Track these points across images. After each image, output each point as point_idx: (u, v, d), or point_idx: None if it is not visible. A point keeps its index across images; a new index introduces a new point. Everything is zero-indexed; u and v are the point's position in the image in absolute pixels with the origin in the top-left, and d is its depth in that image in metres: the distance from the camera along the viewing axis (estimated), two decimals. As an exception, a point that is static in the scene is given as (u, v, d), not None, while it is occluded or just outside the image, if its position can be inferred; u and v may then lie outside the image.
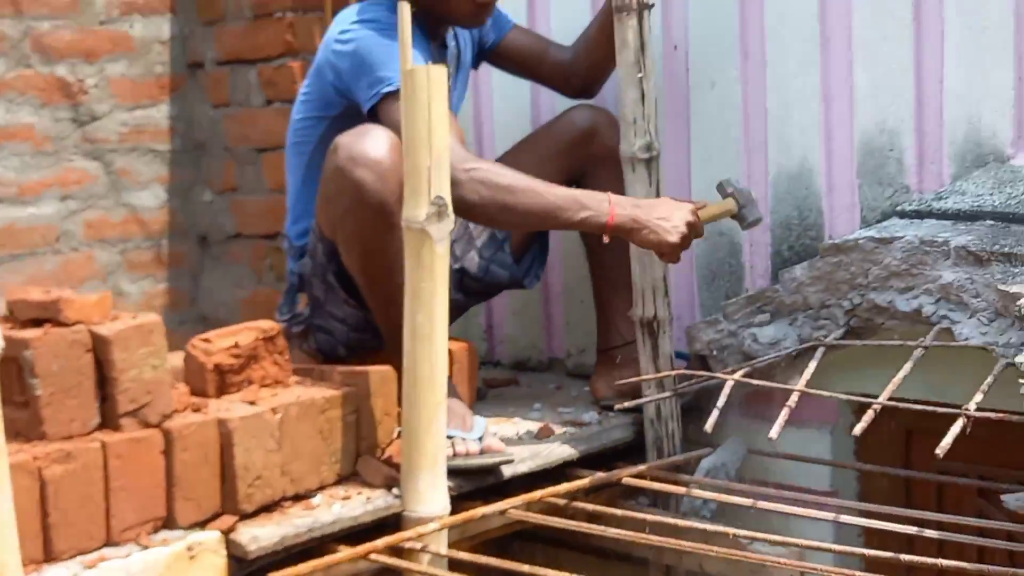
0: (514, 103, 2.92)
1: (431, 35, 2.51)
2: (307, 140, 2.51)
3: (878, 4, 2.37)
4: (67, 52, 3.04)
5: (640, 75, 2.44)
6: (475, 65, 2.71)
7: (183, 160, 3.30)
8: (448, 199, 2.03)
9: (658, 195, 2.46)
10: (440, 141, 2.04)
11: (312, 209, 2.52)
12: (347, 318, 2.44)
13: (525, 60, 2.72)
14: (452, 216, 2.04)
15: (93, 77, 3.10)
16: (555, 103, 2.80)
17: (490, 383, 2.78)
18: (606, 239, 2.29)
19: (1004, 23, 2.22)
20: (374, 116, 2.31)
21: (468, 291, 2.66)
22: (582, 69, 2.68)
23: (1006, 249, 2.00)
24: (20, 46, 2.96)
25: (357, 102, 2.37)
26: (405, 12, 2.01)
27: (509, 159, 2.70)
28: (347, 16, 2.42)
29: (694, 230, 2.28)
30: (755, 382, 2.20)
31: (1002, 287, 1.95)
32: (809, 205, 2.50)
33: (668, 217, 2.26)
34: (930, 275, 2.14)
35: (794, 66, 2.50)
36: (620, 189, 2.63)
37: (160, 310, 3.13)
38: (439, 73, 2.03)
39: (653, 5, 2.46)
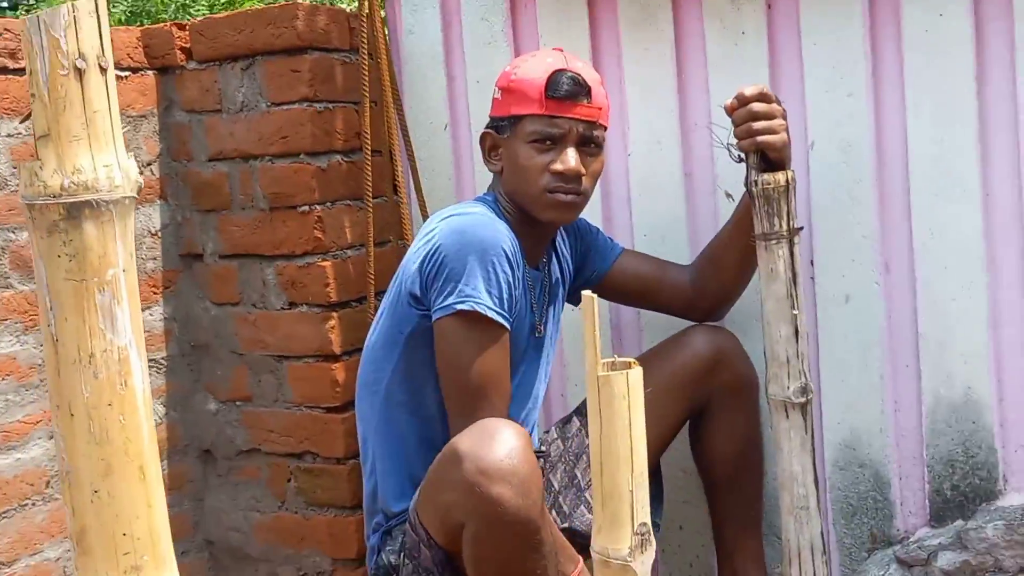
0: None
1: (527, 253, 2.14)
2: (380, 375, 2.12)
3: (1061, 225, 2.10)
4: (50, 262, 2.52)
5: (795, 311, 2.12)
6: (574, 299, 2.34)
7: (180, 366, 2.82)
8: (649, 523, 1.67)
9: (812, 443, 2.14)
10: (641, 460, 1.67)
11: (396, 469, 2.12)
12: None
13: (641, 288, 2.36)
14: (654, 542, 1.68)
15: (80, 287, 2.59)
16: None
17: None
18: None
19: None
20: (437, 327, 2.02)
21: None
22: (710, 293, 2.34)
23: None
24: (-3, 265, 2.44)
25: (427, 308, 2.01)
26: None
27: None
28: (439, 220, 2.10)
29: None
30: None
31: None
32: (977, 441, 2.22)
33: None
34: None
35: (953, 287, 2.21)
36: (752, 424, 2.31)
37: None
38: (637, 378, 1.66)
39: (803, 228, 2.14)
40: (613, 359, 1.70)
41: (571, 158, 2.07)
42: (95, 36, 0.98)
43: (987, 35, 2.14)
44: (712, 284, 2.33)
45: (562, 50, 2.15)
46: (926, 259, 2.23)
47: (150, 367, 2.76)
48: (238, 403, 2.80)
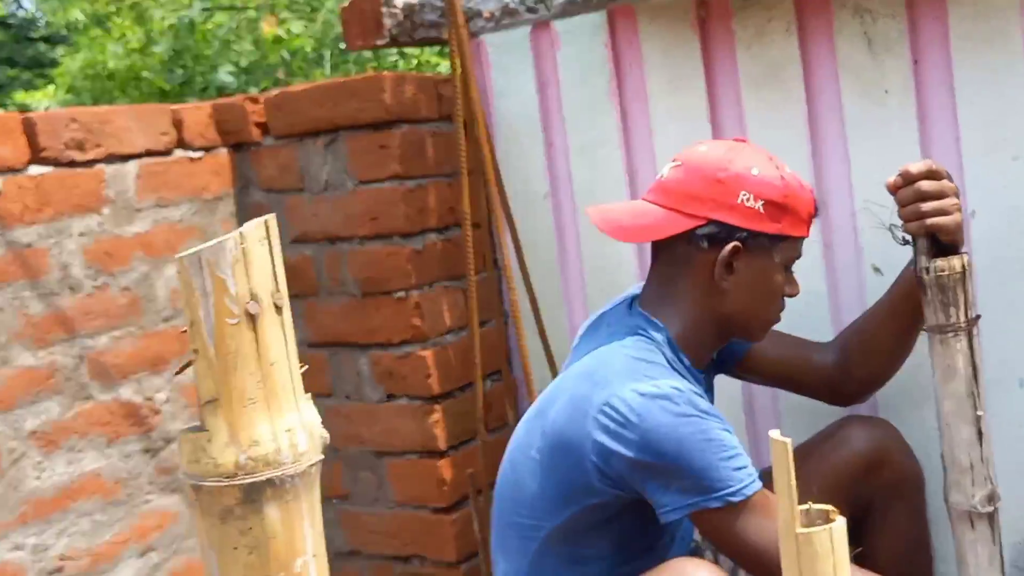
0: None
1: (696, 360, 1.91)
2: (540, 525, 1.85)
3: None
4: (130, 367, 2.33)
5: (979, 412, 1.88)
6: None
7: (270, 464, 2.62)
8: None
9: (1001, 553, 1.91)
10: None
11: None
12: None
13: (781, 371, 2.12)
14: None
15: (163, 391, 2.39)
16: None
17: None
18: None
19: None
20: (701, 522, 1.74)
21: None
22: (857, 378, 2.10)
23: None
24: (76, 375, 2.24)
25: (647, 499, 1.76)
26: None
27: (771, 485, 2.11)
28: (617, 375, 1.76)
29: None
30: None
31: None
32: None
33: None
34: None
35: None
36: (919, 524, 2.09)
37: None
38: (841, 532, 1.44)
39: (980, 316, 1.90)
40: (808, 507, 1.48)
41: (797, 282, 1.91)
42: (268, 268, 0.76)
43: None
44: (861, 370, 2.10)
45: (747, 141, 1.91)
46: (1112, 339, 1.99)
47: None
48: (334, 501, 2.59)
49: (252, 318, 0.75)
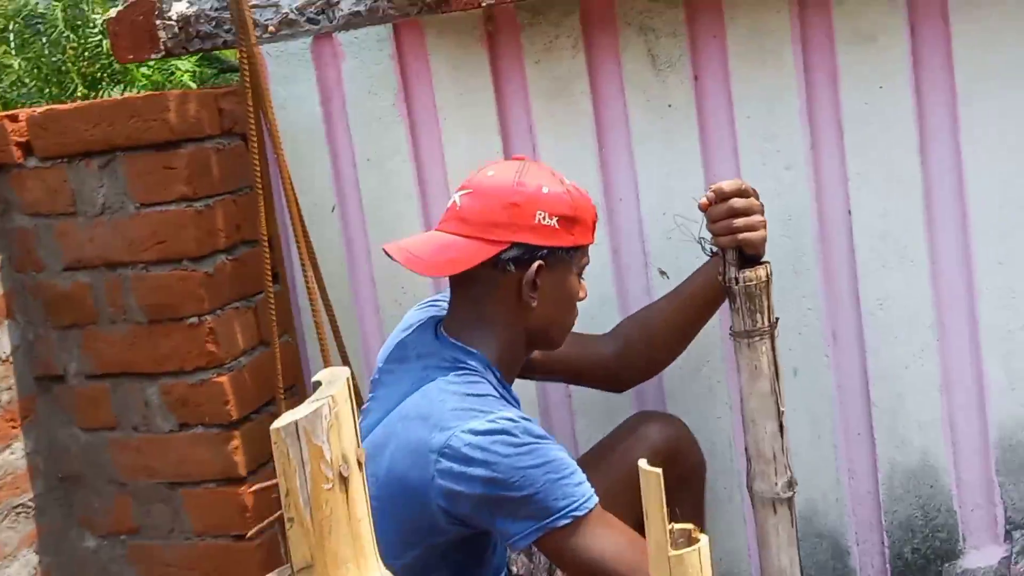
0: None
1: (510, 378, 1.97)
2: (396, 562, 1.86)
3: (1011, 294, 2.13)
4: None
5: (781, 408, 2.06)
6: None
7: (49, 503, 2.46)
8: None
9: (797, 532, 2.11)
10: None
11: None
12: None
13: (570, 365, 2.21)
14: None
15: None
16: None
17: None
18: None
19: None
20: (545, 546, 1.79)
21: None
22: (637, 369, 2.24)
23: None
24: None
25: (495, 531, 1.80)
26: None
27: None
28: (452, 415, 1.77)
29: None
30: None
31: None
32: (936, 504, 2.25)
33: None
34: None
35: (905, 355, 2.21)
36: (700, 511, 2.28)
37: None
38: (707, 548, 1.55)
39: (779, 319, 2.07)
40: (671, 527, 1.58)
41: (585, 285, 1.99)
42: (351, 428, 0.75)
43: (928, 107, 2.13)
44: (642, 361, 2.23)
45: (526, 158, 1.97)
46: (875, 329, 2.22)
47: (16, 513, 2.39)
48: (123, 537, 2.48)
49: (344, 480, 0.74)
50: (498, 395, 1.85)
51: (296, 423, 0.73)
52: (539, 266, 1.87)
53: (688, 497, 2.27)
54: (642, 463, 1.44)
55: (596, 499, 1.79)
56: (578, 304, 2.00)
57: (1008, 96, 2.07)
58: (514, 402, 1.94)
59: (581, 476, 1.80)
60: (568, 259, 1.91)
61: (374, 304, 2.52)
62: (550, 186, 1.88)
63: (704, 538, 1.54)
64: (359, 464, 0.76)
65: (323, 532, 0.73)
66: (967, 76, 2.08)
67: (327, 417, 0.73)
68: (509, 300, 1.90)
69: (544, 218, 1.86)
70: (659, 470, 1.44)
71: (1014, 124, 2.07)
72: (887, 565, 2.30)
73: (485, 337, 1.91)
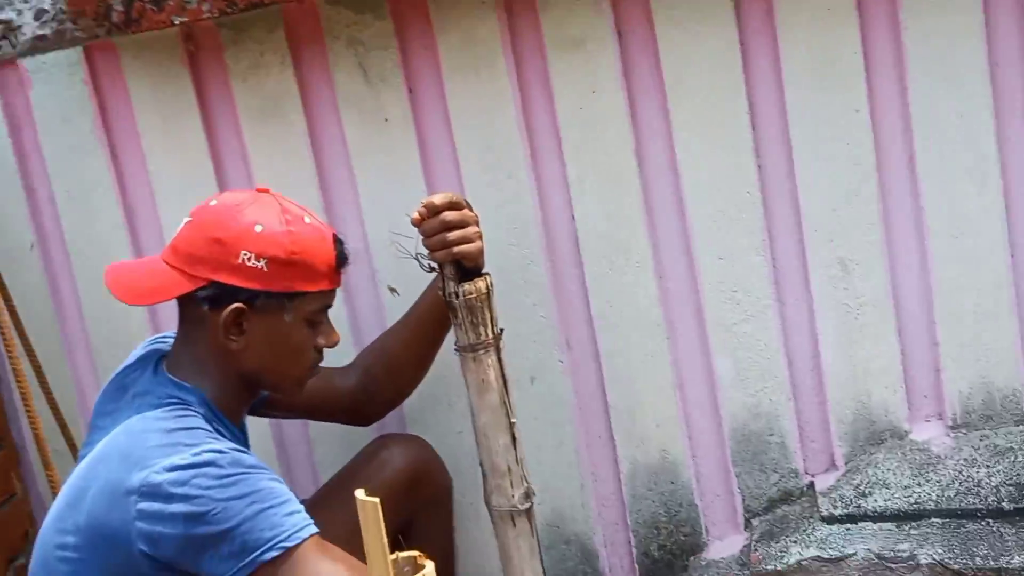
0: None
1: (234, 414, 1.86)
2: None
3: (732, 288, 2.17)
4: None
5: (512, 419, 2.02)
6: None
7: None
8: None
9: (539, 542, 2.09)
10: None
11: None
12: None
13: (308, 401, 2.10)
14: None
15: None
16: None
17: None
18: None
19: (881, 299, 2.14)
20: None
21: None
22: (382, 400, 2.17)
23: (991, 563, 1.96)
24: None
25: (203, 574, 1.67)
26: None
27: (320, 514, 2.12)
28: (154, 451, 1.64)
29: None
30: None
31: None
32: (678, 499, 2.27)
33: None
34: (897, 590, 2.05)
35: (638, 355, 2.22)
36: (449, 532, 2.25)
37: None
38: (432, 574, 1.49)
39: (504, 329, 2.04)
40: (395, 556, 1.51)
41: (335, 330, 1.86)
42: None
43: (640, 109, 2.14)
44: (387, 391, 2.17)
45: (270, 191, 1.84)
46: (607, 332, 2.22)
47: None
48: None
49: None
50: (210, 429, 1.73)
51: None
52: (237, 309, 1.75)
53: (436, 518, 2.23)
54: (358, 493, 1.37)
55: (312, 529, 1.68)
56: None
57: (714, 92, 2.10)
58: (236, 439, 1.83)
59: (294, 506, 1.68)
60: (281, 305, 1.79)
61: (86, 345, 2.35)
62: (267, 225, 1.76)
63: (430, 564, 1.49)
64: None
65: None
66: (675, 77, 2.11)
67: None
68: (217, 340, 1.78)
69: (250, 259, 1.74)
70: (376, 500, 1.37)
71: (721, 119, 2.11)
72: (635, 565, 2.31)
73: (200, 375, 1.79)
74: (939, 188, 2.09)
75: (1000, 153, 2.06)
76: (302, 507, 1.70)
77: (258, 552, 1.62)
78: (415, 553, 1.51)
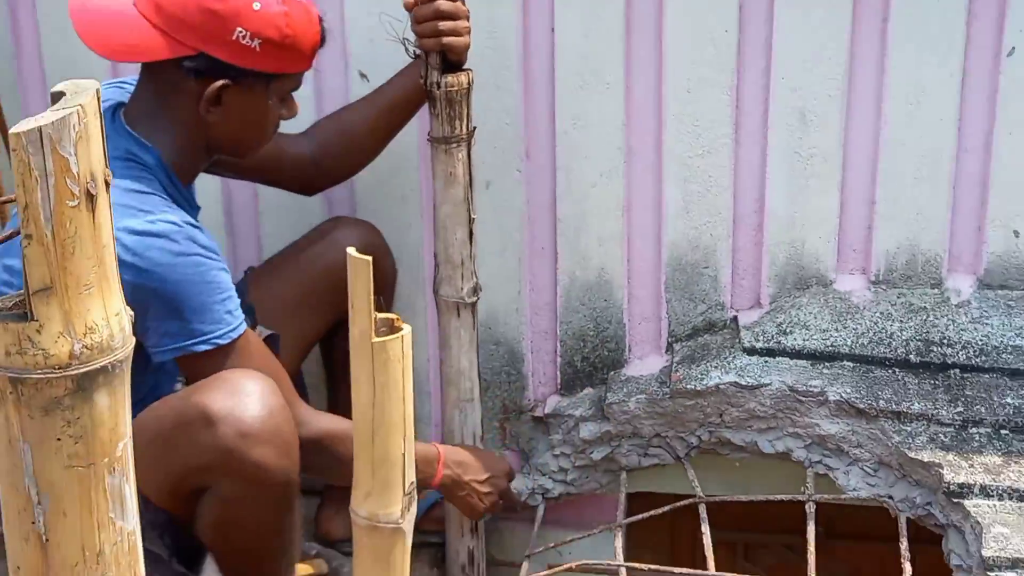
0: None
1: (187, 179, 1.88)
2: None
3: (694, 122, 2.25)
4: None
5: (473, 216, 2.10)
6: None
7: None
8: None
9: (477, 336, 2.19)
10: (411, 425, 1.61)
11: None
12: None
13: (261, 166, 2.11)
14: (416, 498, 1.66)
15: None
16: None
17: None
18: None
19: (831, 153, 2.24)
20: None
21: None
22: (333, 173, 2.22)
23: (893, 407, 2.12)
24: None
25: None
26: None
27: (271, 283, 2.19)
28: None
29: (504, 498, 2.16)
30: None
31: (911, 455, 2.08)
32: (608, 317, 2.38)
33: (484, 481, 2.10)
34: (801, 422, 2.20)
35: (593, 174, 2.30)
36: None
37: None
38: (409, 339, 1.57)
39: (476, 128, 2.09)
40: (375, 316, 1.59)
41: (295, 102, 1.89)
42: (99, 144, 0.68)
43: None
44: (341, 166, 2.20)
45: None
46: (567, 147, 2.28)
47: None
48: None
49: (91, 199, 0.67)
50: (165, 196, 1.76)
51: (40, 130, 0.65)
52: (223, 85, 1.76)
53: (384, 301, 2.30)
54: (350, 250, 1.44)
55: (243, 328, 1.77)
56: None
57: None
58: (189, 205, 1.87)
59: (235, 303, 1.77)
60: (264, 84, 1.81)
61: (43, 89, 2.33)
62: (264, 4, 1.74)
63: (407, 327, 1.57)
64: (106, 185, 0.70)
65: (65, 252, 0.67)
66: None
67: (76, 127, 0.67)
68: (189, 108, 1.79)
69: (244, 37, 1.74)
70: (369, 258, 1.43)
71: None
72: (557, 372, 2.43)
73: (162, 136, 1.80)
74: (903, 55, 2.18)
75: (967, 28, 2.15)
76: (238, 302, 1.77)
77: (192, 341, 1.71)
78: (394, 316, 1.59)
